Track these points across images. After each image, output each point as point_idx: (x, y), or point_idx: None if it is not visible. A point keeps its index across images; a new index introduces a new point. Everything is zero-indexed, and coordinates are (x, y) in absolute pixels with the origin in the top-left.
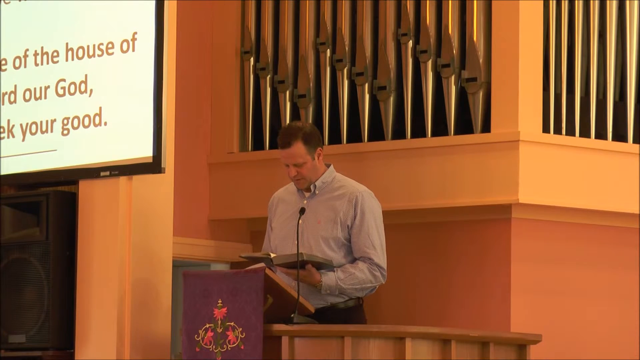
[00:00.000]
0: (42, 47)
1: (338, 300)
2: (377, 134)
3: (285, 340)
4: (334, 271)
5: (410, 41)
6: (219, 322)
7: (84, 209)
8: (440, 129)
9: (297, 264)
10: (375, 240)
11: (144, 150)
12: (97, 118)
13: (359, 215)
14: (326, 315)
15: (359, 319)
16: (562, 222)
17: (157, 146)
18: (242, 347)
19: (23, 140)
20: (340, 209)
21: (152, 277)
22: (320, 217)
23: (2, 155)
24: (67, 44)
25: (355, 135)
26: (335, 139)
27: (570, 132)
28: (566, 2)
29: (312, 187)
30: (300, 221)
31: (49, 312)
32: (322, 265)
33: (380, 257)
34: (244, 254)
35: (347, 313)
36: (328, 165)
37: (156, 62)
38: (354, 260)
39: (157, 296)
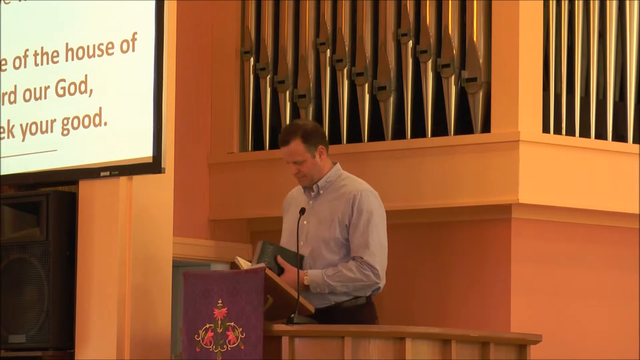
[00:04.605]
0: (42, 47)
1: (343, 298)
2: (377, 134)
3: (285, 340)
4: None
5: (410, 41)
6: (219, 322)
7: (84, 209)
8: (440, 129)
9: (298, 264)
10: (369, 239)
11: (144, 150)
12: (97, 118)
13: (355, 214)
14: (331, 314)
15: (368, 317)
16: (562, 222)
17: (157, 146)
18: (242, 347)
19: (23, 140)
20: (339, 209)
21: (152, 277)
22: (321, 217)
23: (2, 155)
24: (67, 44)
25: (355, 135)
26: (335, 139)
27: (570, 132)
28: (566, 2)
29: (315, 187)
30: (305, 222)
31: (49, 312)
32: (296, 261)
33: (375, 256)
34: (238, 261)
35: (354, 311)
36: (335, 164)
37: (156, 62)
38: None
39: (157, 296)
